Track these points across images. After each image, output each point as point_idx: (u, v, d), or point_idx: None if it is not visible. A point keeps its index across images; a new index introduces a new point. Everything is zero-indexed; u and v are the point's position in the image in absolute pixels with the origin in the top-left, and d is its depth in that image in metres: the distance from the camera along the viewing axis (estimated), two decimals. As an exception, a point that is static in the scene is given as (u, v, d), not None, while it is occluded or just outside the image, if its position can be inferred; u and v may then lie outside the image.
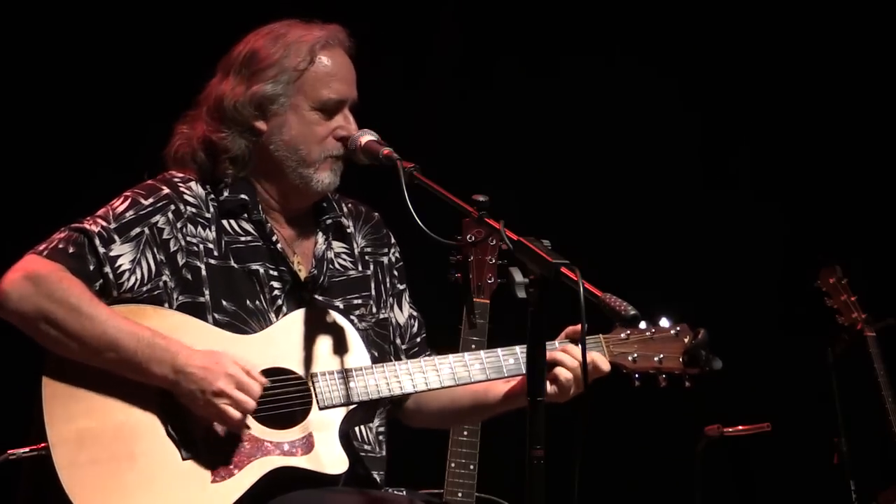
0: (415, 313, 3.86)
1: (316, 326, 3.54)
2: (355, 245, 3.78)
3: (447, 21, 5.98)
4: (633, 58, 6.20)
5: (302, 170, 3.61)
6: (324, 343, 3.54)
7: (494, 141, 5.97)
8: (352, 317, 3.63)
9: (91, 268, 3.43)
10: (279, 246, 3.63)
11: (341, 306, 3.65)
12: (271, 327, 3.55)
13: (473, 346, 4.36)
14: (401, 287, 3.85)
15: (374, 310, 3.74)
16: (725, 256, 6.19)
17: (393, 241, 3.87)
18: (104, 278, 3.44)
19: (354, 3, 5.71)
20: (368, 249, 3.80)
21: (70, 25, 5.38)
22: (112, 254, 3.45)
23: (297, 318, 3.55)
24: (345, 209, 3.80)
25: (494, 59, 6.07)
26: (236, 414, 3.38)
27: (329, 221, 3.74)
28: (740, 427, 5.11)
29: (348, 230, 3.78)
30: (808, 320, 5.69)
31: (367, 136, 3.55)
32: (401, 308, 3.83)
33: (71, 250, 3.43)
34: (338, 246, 3.75)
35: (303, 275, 3.65)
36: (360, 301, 3.72)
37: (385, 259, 3.83)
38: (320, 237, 3.72)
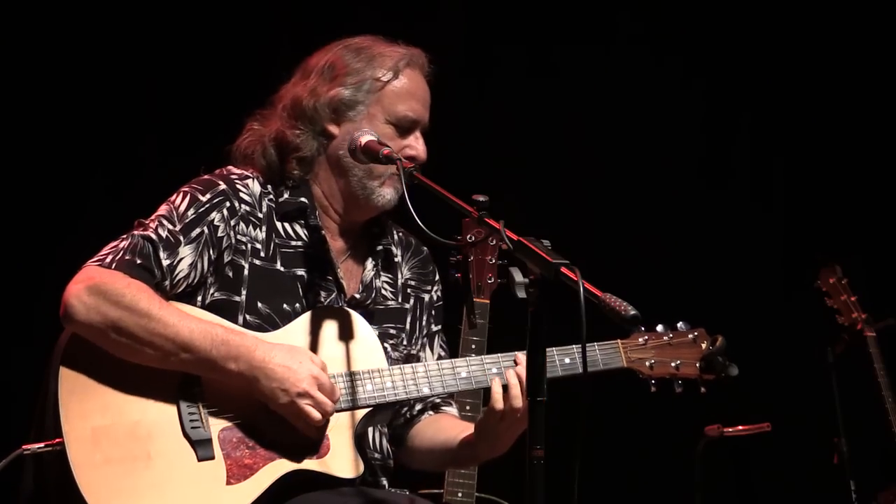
0: (443, 353, 3.83)
1: (334, 326, 3.52)
2: (400, 275, 3.77)
3: (446, 16, 5.97)
4: (633, 57, 6.19)
5: (367, 181, 3.59)
6: (343, 344, 3.52)
7: (494, 140, 5.97)
8: (385, 345, 3.61)
9: (156, 279, 3.42)
10: (331, 255, 3.61)
11: (376, 333, 3.60)
12: (289, 325, 3.51)
13: (473, 346, 4.36)
14: (435, 328, 3.83)
15: (406, 343, 3.73)
16: (725, 256, 6.18)
17: (437, 278, 3.85)
18: (164, 286, 3.43)
19: (354, 2, 5.73)
20: (412, 283, 3.79)
21: (70, 28, 5.38)
22: (175, 261, 3.43)
23: (315, 317, 3.52)
24: (395, 237, 3.79)
25: (494, 55, 6.06)
26: (317, 415, 3.38)
27: (380, 248, 3.72)
28: (740, 427, 5.10)
29: (396, 259, 3.77)
30: (808, 320, 5.69)
31: (367, 136, 3.52)
32: (432, 350, 3.81)
33: (138, 261, 3.40)
34: (384, 274, 3.73)
35: (347, 290, 3.62)
36: (394, 332, 3.71)
37: (427, 296, 3.81)
38: (370, 262, 3.70)
